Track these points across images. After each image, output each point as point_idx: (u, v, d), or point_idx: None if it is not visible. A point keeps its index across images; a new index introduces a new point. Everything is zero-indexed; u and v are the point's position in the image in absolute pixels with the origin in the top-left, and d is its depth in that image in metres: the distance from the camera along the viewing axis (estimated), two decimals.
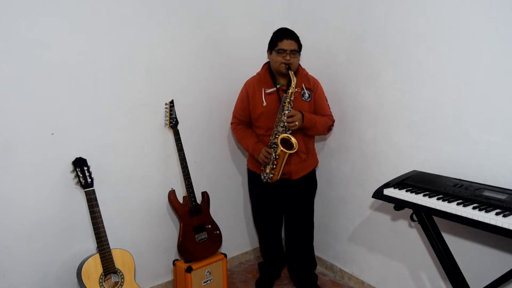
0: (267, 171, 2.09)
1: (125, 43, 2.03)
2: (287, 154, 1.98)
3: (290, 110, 1.99)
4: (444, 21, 1.77)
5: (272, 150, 2.04)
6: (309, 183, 2.27)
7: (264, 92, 2.11)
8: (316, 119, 2.07)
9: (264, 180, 2.13)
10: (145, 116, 2.16)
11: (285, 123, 1.98)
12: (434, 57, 1.82)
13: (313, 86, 2.15)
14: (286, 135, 1.98)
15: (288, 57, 2.02)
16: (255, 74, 2.25)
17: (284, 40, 2.03)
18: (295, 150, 1.97)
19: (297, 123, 1.96)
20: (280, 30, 2.09)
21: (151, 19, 2.11)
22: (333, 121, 2.21)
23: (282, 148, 1.96)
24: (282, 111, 2.00)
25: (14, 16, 1.70)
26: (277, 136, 2.01)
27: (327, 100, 2.21)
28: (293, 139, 1.98)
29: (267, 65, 2.18)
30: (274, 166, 2.04)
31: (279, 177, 2.08)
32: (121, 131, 2.08)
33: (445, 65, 1.79)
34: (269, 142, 2.08)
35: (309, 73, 2.21)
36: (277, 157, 2.01)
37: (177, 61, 2.24)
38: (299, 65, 2.17)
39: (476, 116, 1.69)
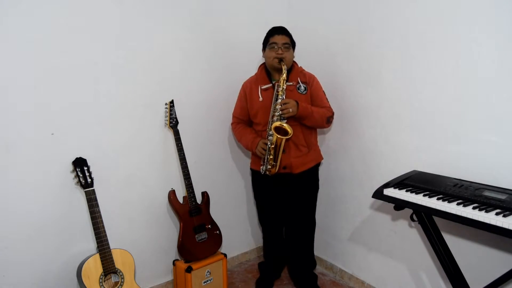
0: (265, 162, 2.07)
1: (125, 43, 2.03)
2: (283, 141, 1.96)
3: (283, 98, 2.00)
4: (444, 21, 1.77)
5: (268, 140, 2.03)
6: (311, 180, 2.26)
7: (260, 88, 2.13)
8: (312, 108, 2.06)
9: (263, 173, 2.10)
10: (145, 116, 2.16)
11: (280, 111, 1.98)
12: (434, 57, 1.82)
13: (309, 80, 2.16)
14: (278, 123, 1.97)
15: (280, 51, 2.04)
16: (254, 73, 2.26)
17: (275, 35, 2.08)
18: (290, 136, 1.96)
19: (291, 109, 1.96)
20: (271, 28, 2.14)
21: (151, 19, 2.11)
22: (333, 113, 2.18)
23: (276, 134, 1.94)
24: (275, 100, 2.01)
25: (15, 16, 1.70)
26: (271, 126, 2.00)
27: (325, 94, 2.21)
28: (285, 125, 1.96)
29: (263, 65, 2.21)
30: (271, 156, 2.02)
31: (277, 168, 2.06)
32: (121, 131, 2.08)
33: (445, 65, 1.79)
34: (266, 135, 2.07)
35: (305, 70, 2.22)
36: (273, 145, 1.99)
37: (177, 61, 2.24)
38: (295, 62, 2.19)
39: (476, 116, 1.69)
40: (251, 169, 2.34)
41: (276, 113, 1.99)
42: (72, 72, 1.88)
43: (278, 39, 2.06)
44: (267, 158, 2.04)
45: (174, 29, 2.21)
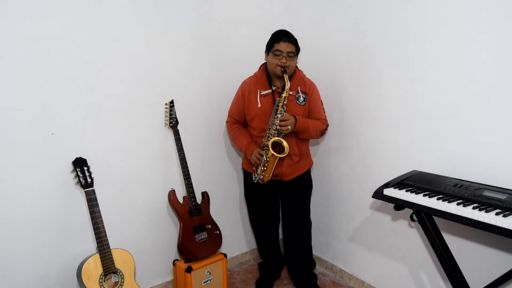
0: (258, 172, 2.10)
1: (125, 43, 2.03)
2: (277, 158, 2.00)
3: (283, 114, 1.98)
4: (444, 21, 1.77)
5: (264, 152, 2.04)
6: (303, 184, 2.27)
7: (260, 93, 2.10)
8: (309, 123, 2.06)
9: (255, 181, 2.14)
10: (145, 116, 2.16)
11: (278, 127, 1.97)
12: (434, 57, 1.82)
13: (308, 89, 2.13)
14: (277, 138, 1.99)
15: (284, 60, 2.00)
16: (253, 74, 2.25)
17: (281, 42, 2.01)
18: (285, 154, 1.99)
19: (289, 127, 1.96)
20: (278, 32, 2.07)
21: (151, 19, 2.11)
22: (327, 125, 2.20)
23: (272, 152, 1.97)
24: (275, 114, 2.00)
25: (15, 16, 1.70)
26: (269, 139, 2.00)
27: (322, 104, 2.21)
28: (284, 143, 1.98)
29: (264, 66, 2.17)
30: (265, 168, 2.05)
31: (269, 178, 2.09)
32: (121, 131, 2.08)
33: (445, 65, 1.79)
34: (262, 144, 2.08)
35: (306, 76, 2.19)
36: (268, 159, 2.01)
37: (177, 61, 2.24)
38: (296, 67, 2.16)
39: (476, 116, 1.69)
40: (242, 168, 2.35)
41: (273, 127, 1.99)
42: (72, 72, 1.88)
43: (283, 47, 1.99)
44: (261, 168, 2.06)
45: (174, 29, 2.20)
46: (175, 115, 2.21)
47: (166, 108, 2.21)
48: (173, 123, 2.19)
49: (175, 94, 2.24)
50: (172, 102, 2.19)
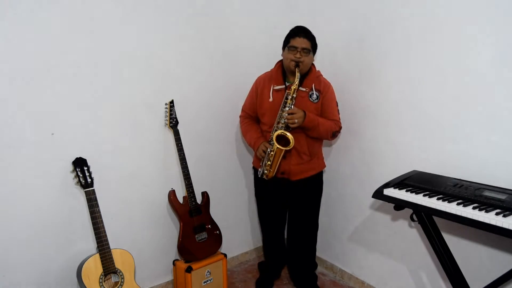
0: (263, 166, 2.08)
1: (125, 43, 2.03)
2: (282, 151, 1.96)
3: (291, 107, 1.96)
4: (444, 21, 1.77)
5: (270, 145, 2.02)
6: (313, 186, 2.24)
7: (273, 88, 2.09)
8: (319, 121, 2.02)
9: (260, 176, 2.12)
10: (145, 116, 2.16)
11: (285, 120, 1.96)
12: (434, 57, 1.82)
13: (323, 88, 2.10)
14: (281, 131, 1.96)
15: (298, 55, 1.98)
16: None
17: (296, 37, 2.00)
18: (290, 147, 1.95)
19: (296, 120, 1.93)
20: (294, 28, 2.06)
21: (151, 19, 2.11)
22: (340, 127, 2.15)
23: (277, 144, 1.94)
24: (283, 107, 1.98)
25: (15, 16, 1.70)
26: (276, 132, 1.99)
27: (337, 106, 2.17)
28: (289, 135, 1.94)
29: (280, 63, 2.16)
30: (269, 162, 2.02)
31: (274, 174, 2.06)
32: (121, 131, 2.08)
33: (445, 65, 1.79)
34: (269, 138, 2.06)
35: (323, 76, 2.16)
36: (272, 152, 1.99)
37: (177, 61, 2.24)
38: (313, 66, 2.14)
39: (476, 116, 1.69)
40: (253, 167, 2.34)
41: (282, 121, 1.97)
42: (73, 72, 1.88)
43: (298, 42, 1.98)
44: (265, 162, 2.04)
45: (174, 29, 2.20)
46: (175, 115, 2.21)
47: (166, 108, 2.21)
48: (173, 123, 2.19)
49: (175, 94, 2.24)
50: (172, 102, 2.19)
